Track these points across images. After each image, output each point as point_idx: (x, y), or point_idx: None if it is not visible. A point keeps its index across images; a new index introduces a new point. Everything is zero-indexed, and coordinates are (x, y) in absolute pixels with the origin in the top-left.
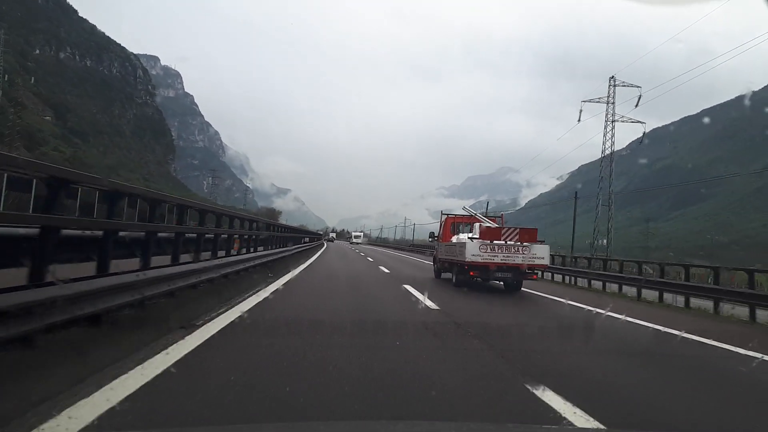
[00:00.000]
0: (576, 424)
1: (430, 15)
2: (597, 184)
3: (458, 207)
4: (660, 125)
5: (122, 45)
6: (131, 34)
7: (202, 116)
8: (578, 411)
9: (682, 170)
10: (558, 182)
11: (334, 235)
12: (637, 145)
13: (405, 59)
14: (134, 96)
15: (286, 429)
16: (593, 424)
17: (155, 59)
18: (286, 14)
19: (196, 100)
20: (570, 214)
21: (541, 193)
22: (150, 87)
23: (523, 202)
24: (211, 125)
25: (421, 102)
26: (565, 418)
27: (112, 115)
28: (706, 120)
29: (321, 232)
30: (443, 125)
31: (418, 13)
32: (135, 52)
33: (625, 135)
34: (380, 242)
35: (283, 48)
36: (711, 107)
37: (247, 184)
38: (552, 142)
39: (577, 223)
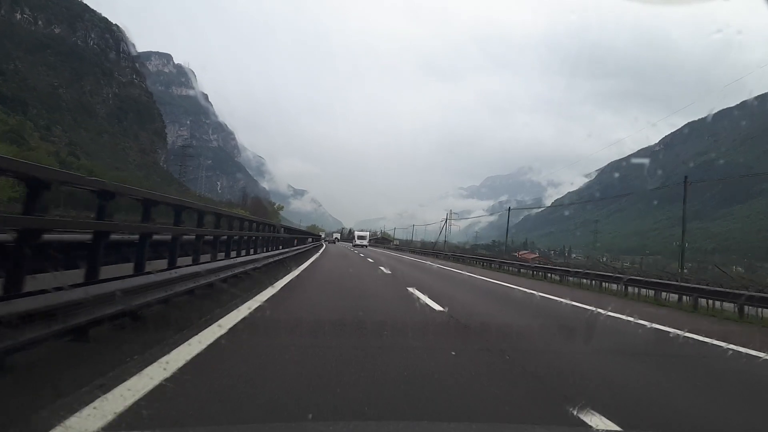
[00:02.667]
0: None
1: (445, 13)
2: (630, 181)
3: (477, 208)
4: (695, 119)
5: (104, 16)
6: (144, 30)
7: (217, 116)
8: None
9: (728, 165)
10: (587, 180)
11: (338, 236)
12: (670, 140)
13: (421, 58)
14: (116, 73)
15: (286, 429)
16: None
17: (168, 57)
18: (301, 15)
19: (210, 100)
20: (603, 213)
21: (569, 192)
22: (138, 65)
23: (548, 202)
24: (226, 125)
25: (437, 101)
26: None
27: (80, 90)
28: (744, 112)
29: (321, 234)
30: (460, 125)
31: (433, 10)
32: (147, 49)
33: (657, 130)
34: (406, 246)
35: (298, 48)
36: (749, 99)
37: (263, 186)
38: (573, 140)
39: (613, 222)
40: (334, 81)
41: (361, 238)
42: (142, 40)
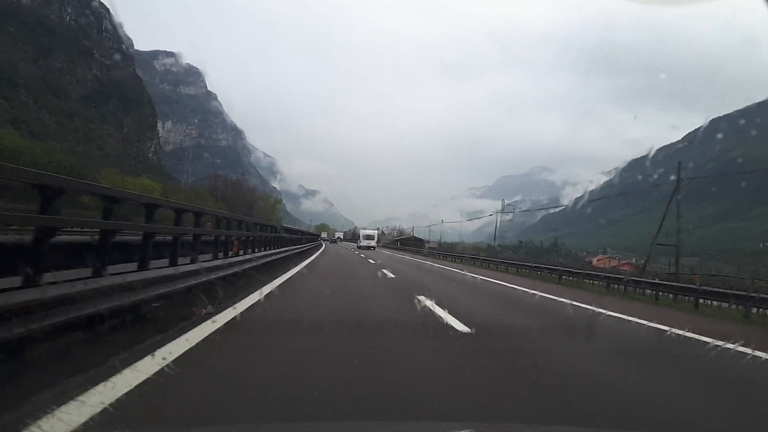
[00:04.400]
0: None
1: (458, 10)
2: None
3: (490, 208)
4: (721, 114)
5: None
6: (152, 29)
7: (226, 115)
8: None
9: (761, 162)
10: (606, 178)
11: (341, 235)
12: (694, 137)
13: (434, 57)
14: (97, 53)
15: (286, 429)
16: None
17: (176, 56)
18: (313, 15)
19: (220, 99)
20: (627, 213)
21: (590, 190)
22: (125, 48)
23: (564, 201)
24: (235, 125)
25: (450, 101)
26: None
27: (46, 68)
28: None
29: (323, 234)
30: (473, 124)
31: (445, 7)
32: (154, 47)
33: (680, 127)
34: (446, 250)
35: (310, 48)
36: None
37: (274, 185)
38: (589, 139)
39: (634, 221)
40: (347, 81)
41: (368, 237)
42: (149, 39)
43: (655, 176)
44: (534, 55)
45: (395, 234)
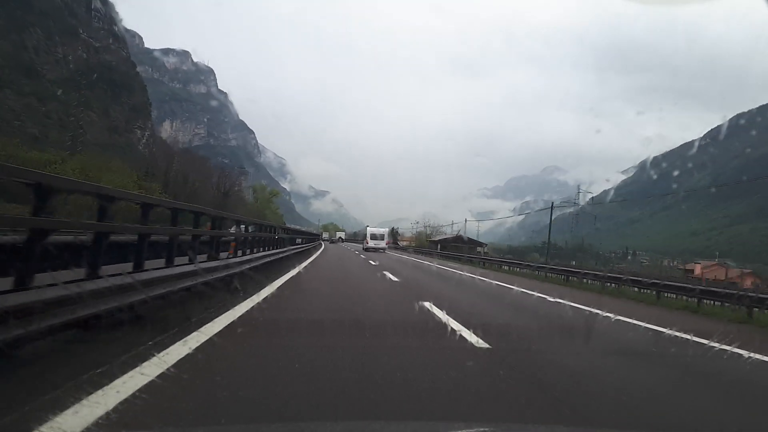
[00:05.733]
0: None
1: (470, 6)
2: (674, 178)
3: (502, 209)
4: (742, 111)
5: None
6: (162, 27)
7: (236, 114)
8: None
9: None
10: (623, 177)
11: (342, 235)
12: (717, 134)
13: (445, 55)
14: (83, 33)
15: (286, 429)
16: None
17: (186, 54)
18: (323, 14)
19: (230, 99)
20: (647, 212)
21: (604, 189)
22: (116, 28)
23: (580, 201)
24: (246, 124)
25: (460, 99)
26: None
27: (18, 44)
28: None
29: (324, 234)
30: (483, 124)
31: (457, 4)
32: (164, 46)
33: (700, 125)
34: (512, 257)
35: (318, 46)
36: None
37: (284, 186)
38: (603, 138)
39: (659, 221)
40: (357, 80)
41: (375, 237)
42: (159, 37)
43: (676, 173)
44: (547, 53)
45: (428, 231)
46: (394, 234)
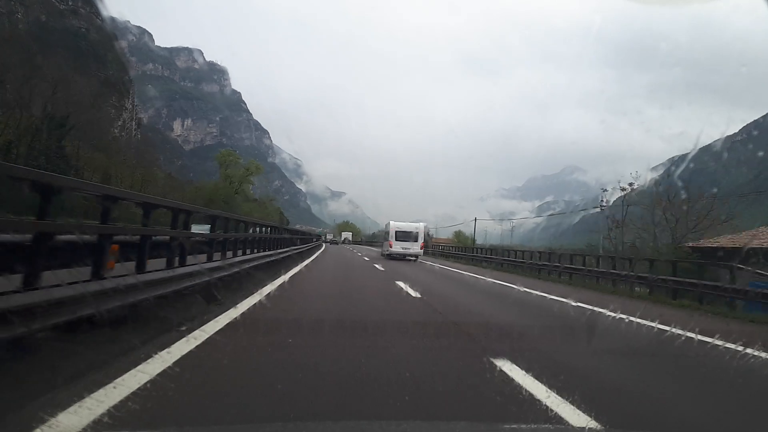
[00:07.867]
0: None
1: (488, 5)
2: (708, 176)
3: (521, 209)
4: None
5: None
6: (175, 25)
7: (250, 114)
8: None
9: None
10: (653, 175)
11: (349, 236)
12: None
13: (460, 52)
14: None
15: (286, 429)
16: None
17: (198, 52)
18: (338, 13)
19: (244, 98)
20: (682, 212)
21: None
22: None
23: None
24: (260, 124)
25: (477, 98)
26: None
27: None
28: None
29: (328, 235)
30: (501, 123)
31: (475, 2)
32: (177, 44)
33: (728, 122)
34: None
35: (333, 46)
36: None
37: (300, 187)
38: (625, 137)
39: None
40: (372, 80)
41: (403, 237)
42: (171, 36)
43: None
44: (566, 50)
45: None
46: (427, 235)
